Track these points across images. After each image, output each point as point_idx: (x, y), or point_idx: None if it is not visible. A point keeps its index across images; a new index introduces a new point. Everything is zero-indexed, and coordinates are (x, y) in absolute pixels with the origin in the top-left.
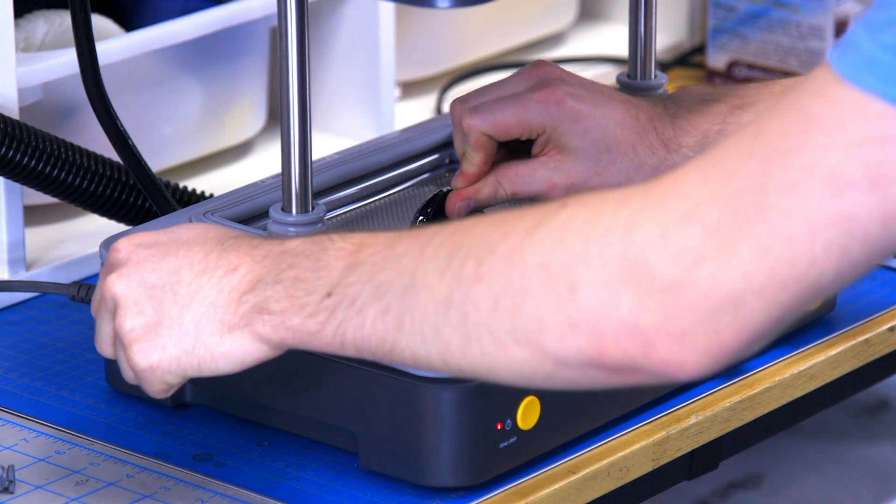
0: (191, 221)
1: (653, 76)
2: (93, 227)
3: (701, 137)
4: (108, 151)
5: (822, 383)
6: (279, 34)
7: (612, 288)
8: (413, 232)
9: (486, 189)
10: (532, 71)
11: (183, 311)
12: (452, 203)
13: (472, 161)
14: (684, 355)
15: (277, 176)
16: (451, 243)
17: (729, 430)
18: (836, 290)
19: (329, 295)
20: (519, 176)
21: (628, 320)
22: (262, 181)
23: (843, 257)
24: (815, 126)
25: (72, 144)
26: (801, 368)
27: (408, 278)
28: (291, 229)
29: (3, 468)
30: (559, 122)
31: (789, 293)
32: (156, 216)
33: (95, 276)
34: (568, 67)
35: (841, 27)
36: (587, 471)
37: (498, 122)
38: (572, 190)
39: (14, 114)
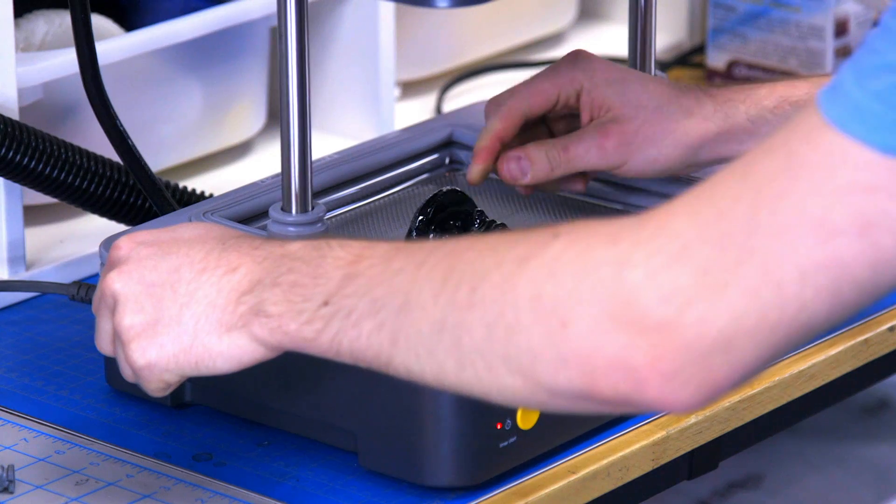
0: (190, 221)
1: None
2: (93, 227)
3: (751, 94)
4: (108, 151)
5: (822, 383)
6: (279, 34)
7: (603, 326)
8: (410, 247)
9: (536, 148)
10: (562, 57)
11: (182, 310)
12: (506, 167)
13: (492, 127)
14: (676, 393)
15: (277, 176)
16: (446, 265)
17: (728, 429)
18: (829, 329)
19: (326, 304)
20: (570, 136)
21: (619, 358)
22: (262, 181)
23: (834, 301)
24: (803, 171)
25: (71, 145)
26: (801, 368)
27: (402, 297)
28: (291, 229)
29: (3, 468)
30: (592, 73)
31: (780, 335)
32: (155, 216)
33: (95, 276)
34: None
35: (841, 27)
36: (587, 471)
37: (534, 93)
38: (624, 137)
39: (14, 114)
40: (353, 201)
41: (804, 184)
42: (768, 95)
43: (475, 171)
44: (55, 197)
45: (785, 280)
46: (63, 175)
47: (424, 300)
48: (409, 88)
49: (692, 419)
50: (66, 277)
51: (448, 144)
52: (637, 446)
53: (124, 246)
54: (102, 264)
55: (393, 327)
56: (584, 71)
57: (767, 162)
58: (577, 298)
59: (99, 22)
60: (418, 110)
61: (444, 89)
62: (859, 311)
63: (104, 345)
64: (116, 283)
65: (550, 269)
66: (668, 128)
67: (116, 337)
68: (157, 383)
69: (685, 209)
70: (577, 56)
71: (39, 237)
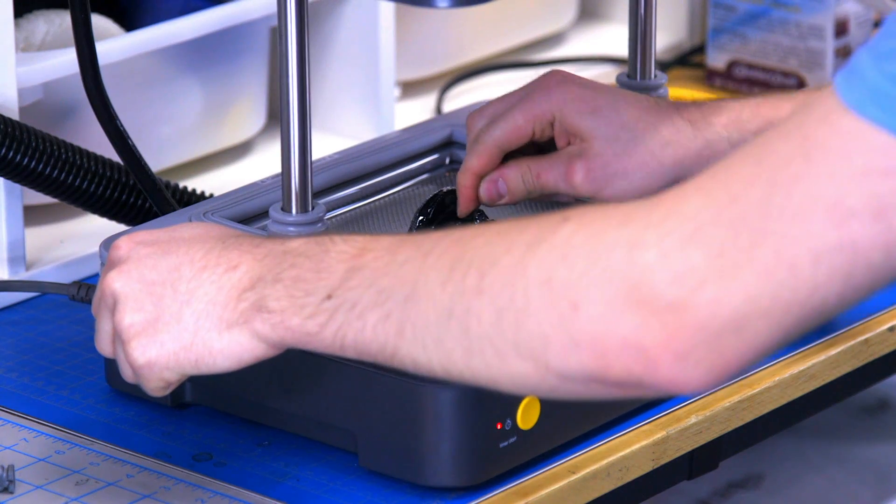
0: (190, 221)
1: (653, 76)
2: (93, 227)
3: (734, 117)
4: (108, 151)
5: (822, 383)
6: (279, 34)
7: (615, 307)
8: (415, 238)
9: (511, 171)
10: (541, 76)
11: (182, 308)
12: (484, 188)
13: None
14: (687, 373)
15: (277, 176)
16: (453, 253)
17: (729, 429)
18: (840, 312)
19: (329, 297)
20: (542, 163)
21: (631, 339)
22: (262, 181)
23: (847, 283)
24: (818, 155)
25: (71, 145)
26: (801, 368)
27: (409, 286)
28: (291, 229)
29: (3, 468)
30: (564, 103)
31: (792, 316)
32: (156, 216)
33: (95, 276)
34: (568, 67)
35: (841, 27)
36: (587, 471)
37: (509, 129)
38: (592, 173)
39: (14, 114)
40: (353, 201)
41: (819, 167)
42: (752, 118)
43: (462, 207)
44: (55, 197)
45: (798, 262)
46: (63, 175)
47: (432, 288)
48: (409, 88)
49: (692, 419)
50: (66, 277)
51: (448, 144)
52: (637, 446)
53: (124, 246)
54: (102, 264)
55: (399, 317)
56: (556, 103)
57: (782, 145)
58: (589, 280)
59: (99, 22)
60: (418, 110)
61: (444, 89)
62: (871, 295)
63: (104, 345)
64: (116, 282)
65: (561, 252)
66: (640, 160)
67: (116, 336)
68: (157, 382)
69: (698, 192)
70: (552, 83)
71: (39, 237)
